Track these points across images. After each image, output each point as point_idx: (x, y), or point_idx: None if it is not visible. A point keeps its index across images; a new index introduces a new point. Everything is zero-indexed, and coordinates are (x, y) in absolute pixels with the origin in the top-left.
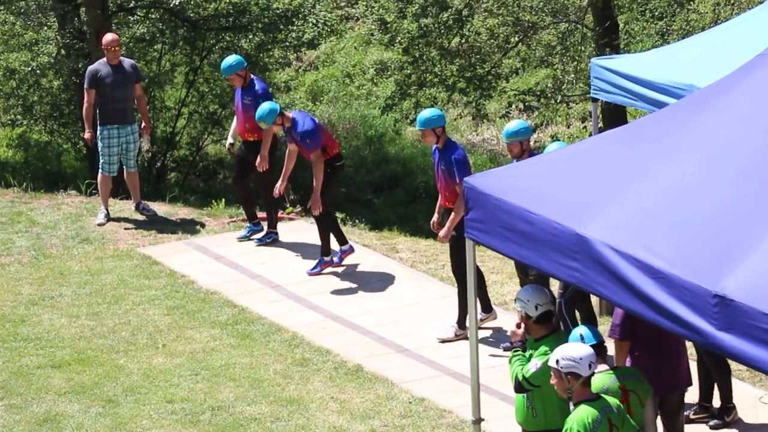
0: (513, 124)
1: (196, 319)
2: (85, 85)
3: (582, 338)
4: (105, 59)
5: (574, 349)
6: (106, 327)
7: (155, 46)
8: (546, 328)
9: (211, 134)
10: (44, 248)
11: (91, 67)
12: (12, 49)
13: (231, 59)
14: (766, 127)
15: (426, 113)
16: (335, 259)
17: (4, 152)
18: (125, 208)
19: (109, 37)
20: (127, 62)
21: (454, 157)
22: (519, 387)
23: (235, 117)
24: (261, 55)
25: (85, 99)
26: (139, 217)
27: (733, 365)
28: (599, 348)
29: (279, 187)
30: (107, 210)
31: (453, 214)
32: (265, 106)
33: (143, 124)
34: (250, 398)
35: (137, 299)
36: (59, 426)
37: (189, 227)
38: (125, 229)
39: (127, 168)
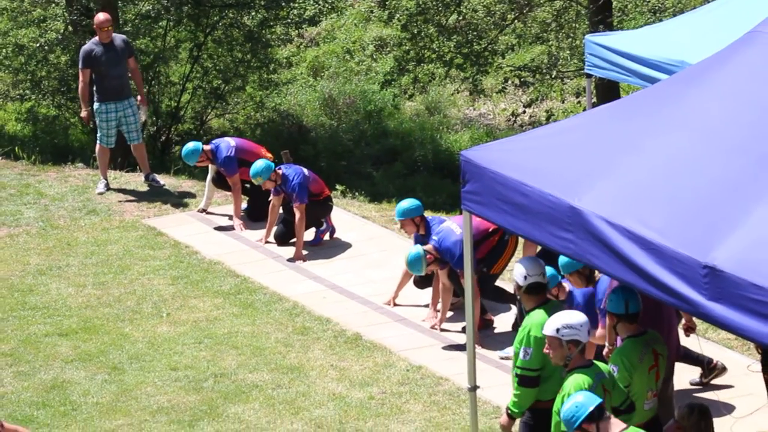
0: (404, 203)
1: (199, 289)
2: (80, 66)
3: (626, 305)
4: (97, 38)
5: (572, 316)
6: (112, 296)
7: (160, 23)
8: (535, 299)
9: (215, 109)
10: (52, 219)
11: (84, 47)
12: (21, 25)
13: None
14: (756, 103)
15: (404, 204)
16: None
17: (13, 126)
18: (131, 180)
19: (101, 17)
20: (118, 38)
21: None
22: (528, 381)
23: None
24: (263, 31)
25: (80, 79)
26: (145, 189)
27: (723, 334)
28: (636, 316)
29: (264, 238)
30: (107, 180)
31: (441, 303)
32: None
33: (139, 96)
34: (251, 366)
35: (142, 269)
36: (66, 392)
37: (193, 199)
38: (131, 200)
39: (130, 142)
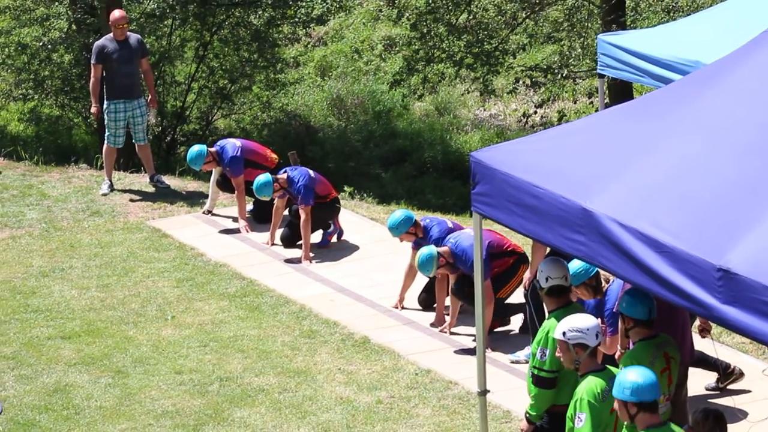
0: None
1: (205, 291)
2: (92, 61)
3: (649, 312)
4: (111, 35)
5: (580, 320)
6: (116, 299)
7: (165, 22)
8: (555, 302)
9: (221, 109)
10: (55, 221)
11: (97, 43)
12: (24, 24)
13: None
14: None
15: (394, 219)
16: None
17: (16, 126)
18: (135, 181)
19: (117, 13)
20: (133, 37)
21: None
22: (543, 381)
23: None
24: (270, 30)
25: (92, 74)
26: (149, 190)
27: (737, 338)
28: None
29: (269, 240)
30: (111, 181)
31: (450, 306)
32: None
33: (150, 98)
34: (258, 369)
35: (147, 271)
36: (69, 396)
37: (198, 200)
38: (135, 202)
39: (137, 142)
